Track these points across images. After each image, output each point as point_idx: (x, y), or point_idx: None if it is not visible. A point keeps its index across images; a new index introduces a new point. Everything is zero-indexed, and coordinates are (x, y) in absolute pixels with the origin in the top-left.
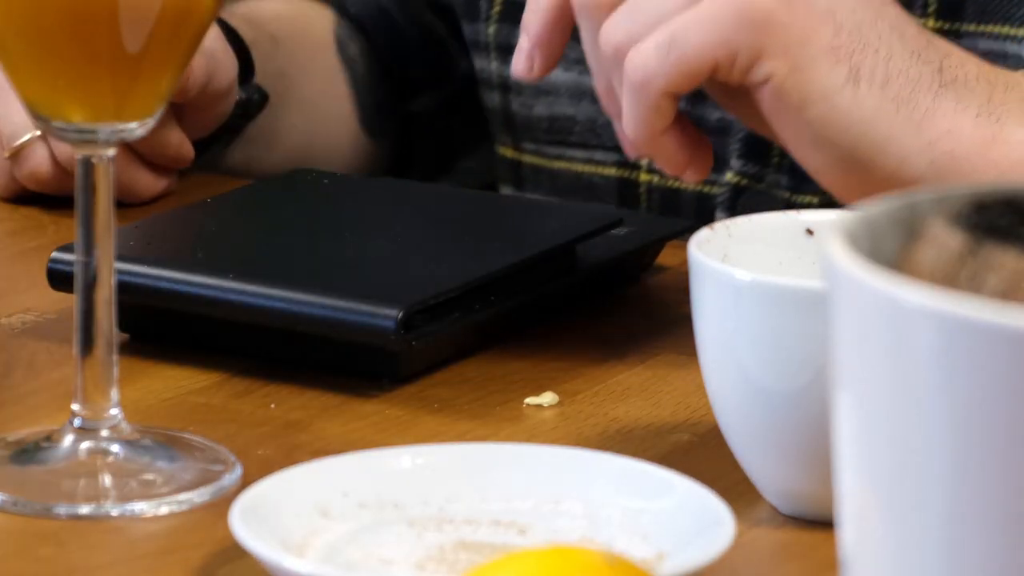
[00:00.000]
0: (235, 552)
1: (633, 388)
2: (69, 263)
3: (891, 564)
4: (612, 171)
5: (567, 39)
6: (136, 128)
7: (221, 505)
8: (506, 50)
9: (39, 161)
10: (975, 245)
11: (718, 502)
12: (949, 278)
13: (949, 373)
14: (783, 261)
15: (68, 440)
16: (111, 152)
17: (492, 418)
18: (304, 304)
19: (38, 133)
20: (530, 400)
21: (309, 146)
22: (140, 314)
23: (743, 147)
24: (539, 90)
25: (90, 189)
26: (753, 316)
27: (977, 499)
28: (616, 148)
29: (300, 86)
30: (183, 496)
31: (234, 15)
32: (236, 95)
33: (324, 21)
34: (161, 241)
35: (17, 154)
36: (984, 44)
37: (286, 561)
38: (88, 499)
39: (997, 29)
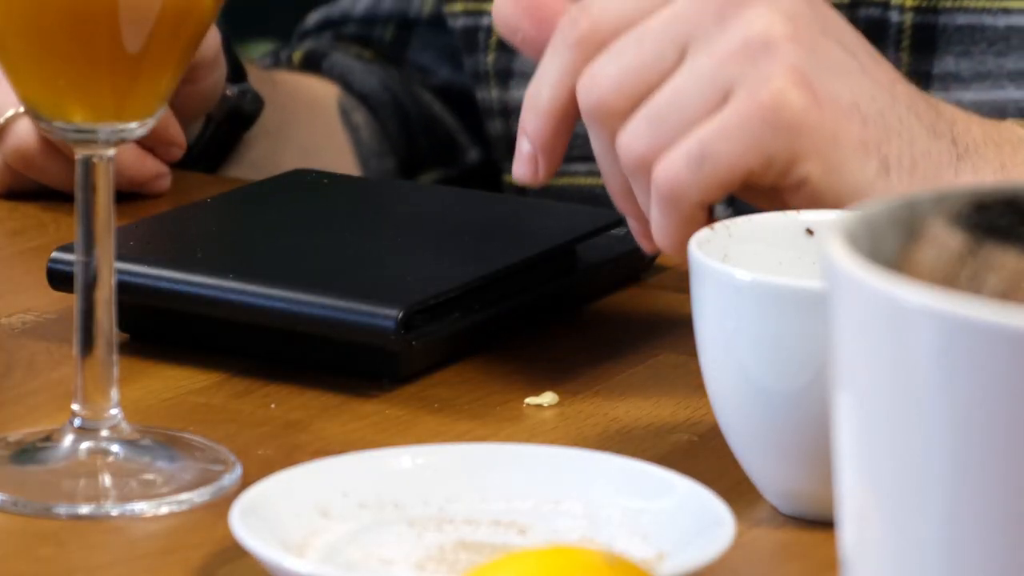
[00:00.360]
0: (235, 552)
1: (633, 388)
2: (69, 263)
3: (891, 564)
4: None
5: (570, 137)
6: (136, 128)
7: (221, 505)
8: (505, 76)
9: (23, 137)
10: (975, 245)
11: (718, 502)
12: (949, 278)
13: (949, 373)
14: (783, 261)
15: (68, 440)
16: (111, 152)
17: (492, 418)
18: (304, 304)
19: (22, 109)
20: (530, 400)
21: None
22: (140, 314)
23: None
24: None
25: (90, 189)
26: (753, 316)
27: (977, 499)
28: None
29: (301, 128)
30: (183, 496)
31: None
32: (227, 89)
33: (328, 89)
34: (161, 241)
35: (1, 131)
36: (962, 19)
37: (286, 561)
38: (88, 499)
39: (973, 3)
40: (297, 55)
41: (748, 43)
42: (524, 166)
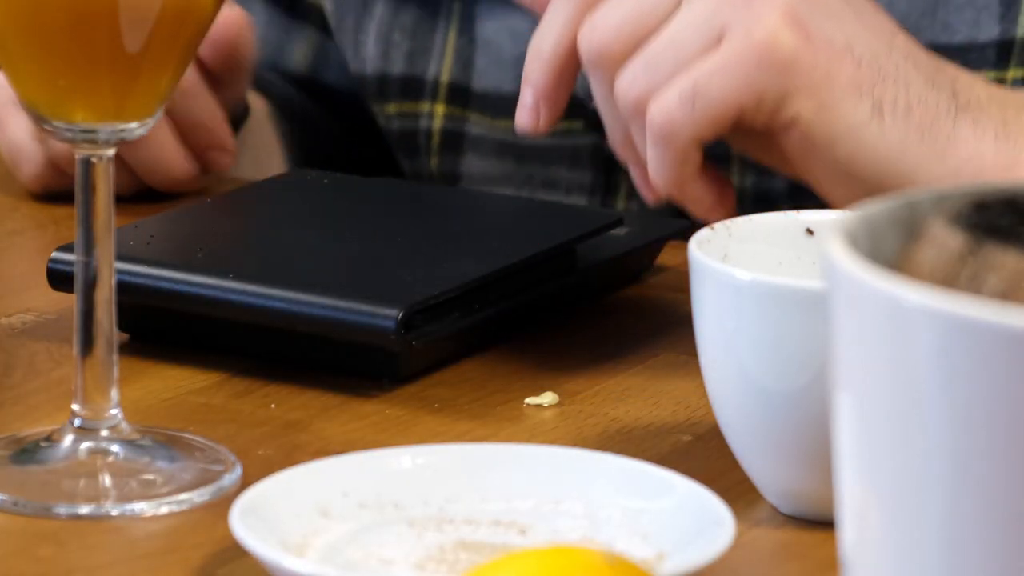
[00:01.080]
0: (235, 552)
1: (633, 388)
2: (69, 263)
3: (891, 564)
4: None
5: (572, 87)
6: (136, 128)
7: (221, 505)
8: (452, 179)
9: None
10: (975, 245)
11: (718, 502)
12: (949, 278)
13: (949, 373)
14: (783, 261)
15: (68, 440)
16: (111, 152)
17: (492, 418)
18: (304, 304)
19: None
20: (530, 400)
21: None
22: (140, 314)
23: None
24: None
25: (90, 189)
26: (753, 316)
27: (977, 499)
28: None
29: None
30: (183, 496)
31: None
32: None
33: (257, 99)
34: (161, 241)
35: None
36: None
37: (286, 561)
38: (88, 499)
39: None
40: None
41: None
42: (526, 115)
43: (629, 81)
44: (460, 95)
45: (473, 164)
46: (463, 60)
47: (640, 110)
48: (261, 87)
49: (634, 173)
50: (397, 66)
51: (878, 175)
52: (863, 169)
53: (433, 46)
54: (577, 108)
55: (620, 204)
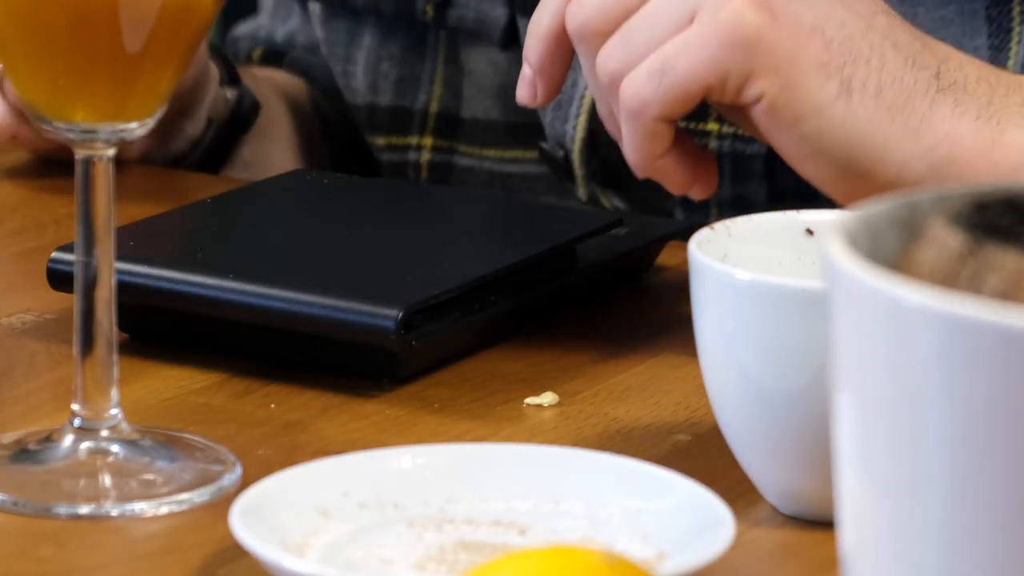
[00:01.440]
0: (235, 552)
1: (633, 388)
2: (69, 263)
3: (891, 564)
4: None
5: (568, 64)
6: (136, 128)
7: (221, 505)
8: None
9: None
10: (975, 245)
11: (718, 502)
12: (949, 278)
13: (949, 373)
14: (783, 261)
15: (68, 440)
16: (111, 152)
17: (492, 418)
18: (304, 304)
19: None
20: (530, 400)
21: None
22: (140, 314)
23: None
24: None
25: (90, 189)
26: (753, 316)
27: (977, 499)
28: None
29: (284, 126)
30: (183, 496)
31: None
32: (226, 92)
33: (297, 82)
34: (161, 241)
35: None
36: None
37: (286, 561)
38: (88, 499)
39: None
40: (257, 52)
41: None
42: (525, 88)
43: (606, 57)
44: (448, 125)
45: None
46: (452, 88)
47: (615, 86)
48: (304, 71)
49: (623, 148)
50: (385, 97)
51: (848, 152)
52: (831, 146)
53: (422, 74)
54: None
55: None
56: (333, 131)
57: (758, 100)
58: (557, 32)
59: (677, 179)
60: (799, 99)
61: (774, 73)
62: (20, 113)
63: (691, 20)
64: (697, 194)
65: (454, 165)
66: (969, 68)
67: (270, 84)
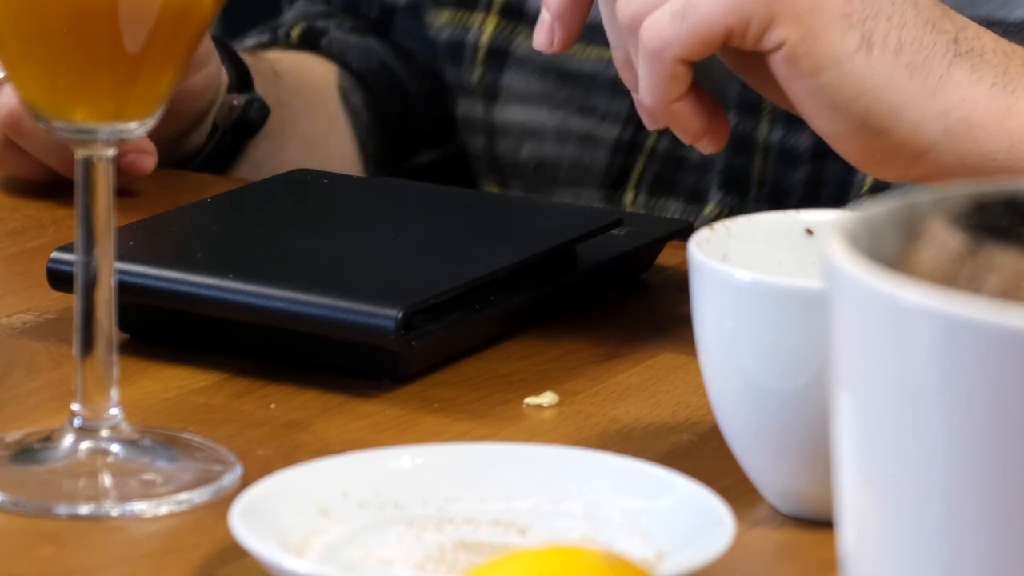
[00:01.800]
0: (235, 552)
1: (633, 388)
2: (69, 263)
3: (891, 564)
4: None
5: (587, 13)
6: (136, 128)
7: (221, 505)
8: (492, 94)
9: (12, 99)
10: (975, 245)
11: (718, 502)
12: (949, 278)
13: (949, 373)
14: (783, 261)
15: (68, 440)
16: (111, 152)
17: (492, 418)
18: (304, 304)
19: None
20: (530, 400)
21: None
22: (140, 314)
23: (722, 179)
24: (524, 132)
25: (90, 189)
26: (753, 316)
27: (977, 499)
28: (603, 185)
29: (302, 121)
30: (183, 496)
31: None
32: (234, 98)
33: (327, 71)
34: (161, 241)
35: None
36: None
37: (286, 561)
38: (88, 499)
39: None
40: (296, 31)
41: None
42: (542, 34)
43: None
44: (514, 11)
45: (515, 80)
46: None
47: (635, 27)
48: (340, 55)
49: (635, 99)
50: None
51: (864, 107)
52: (848, 100)
53: None
54: None
55: (651, 140)
56: (362, 124)
57: (778, 47)
58: None
59: (691, 126)
60: (819, 48)
61: (796, 20)
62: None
63: None
64: (708, 147)
65: (511, 51)
66: (986, 38)
67: (295, 76)
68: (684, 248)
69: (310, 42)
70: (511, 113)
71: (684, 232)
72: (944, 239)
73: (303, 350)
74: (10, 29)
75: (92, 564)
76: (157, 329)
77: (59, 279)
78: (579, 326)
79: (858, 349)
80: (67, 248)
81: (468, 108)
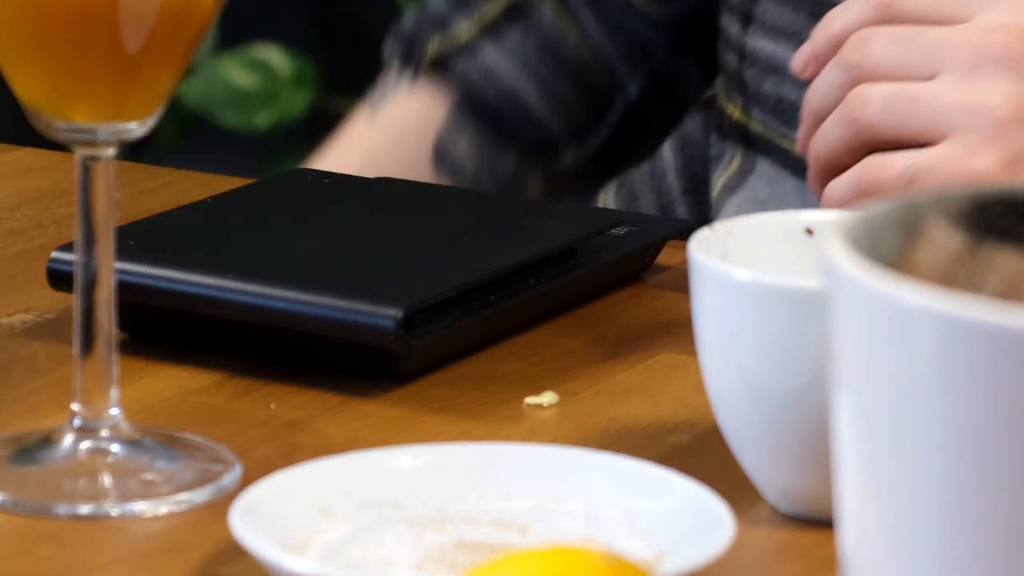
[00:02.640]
0: (235, 552)
1: (633, 388)
2: (69, 263)
3: (891, 564)
4: None
5: None
6: (136, 128)
7: (221, 505)
8: (747, 18)
9: None
10: (975, 245)
11: (718, 502)
12: (949, 278)
13: (949, 373)
14: (783, 261)
15: (68, 440)
16: (111, 152)
17: (492, 418)
18: (304, 304)
19: None
20: (530, 400)
21: None
22: (140, 314)
23: None
24: (769, 66)
25: (90, 189)
26: (753, 316)
27: (977, 499)
28: None
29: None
30: (183, 496)
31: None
32: None
33: (426, 127)
34: (161, 241)
35: None
36: None
37: (286, 561)
38: (88, 499)
39: None
40: (431, 51)
41: (980, 105)
42: (800, 60)
43: (875, 58)
44: None
45: (768, 9)
46: None
47: (859, 79)
48: (468, 86)
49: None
50: None
51: None
52: None
53: None
54: None
55: None
56: (465, 176)
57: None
58: (841, 39)
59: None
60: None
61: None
62: None
63: (946, 133)
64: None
65: None
66: None
67: (383, 154)
68: (684, 248)
69: (441, 66)
70: (760, 43)
71: (684, 232)
72: (944, 239)
73: (303, 350)
74: (9, 29)
75: (92, 564)
76: (157, 329)
77: (59, 279)
78: (579, 326)
79: (858, 349)
80: (67, 248)
81: (728, 23)
